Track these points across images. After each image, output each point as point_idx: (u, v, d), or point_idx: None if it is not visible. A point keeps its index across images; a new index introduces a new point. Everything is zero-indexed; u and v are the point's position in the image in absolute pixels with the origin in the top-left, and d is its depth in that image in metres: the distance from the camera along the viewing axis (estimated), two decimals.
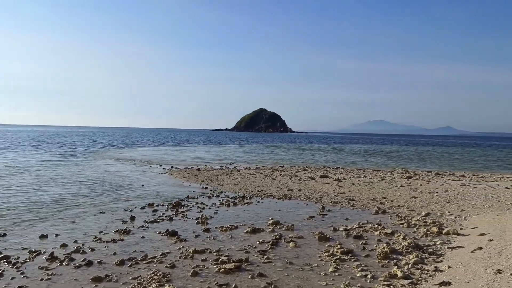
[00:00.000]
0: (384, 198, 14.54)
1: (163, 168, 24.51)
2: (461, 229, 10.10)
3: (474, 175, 23.76)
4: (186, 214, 11.33)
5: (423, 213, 11.93)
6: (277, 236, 9.08)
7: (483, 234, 9.23)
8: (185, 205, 12.79)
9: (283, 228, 9.93)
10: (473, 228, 10.08)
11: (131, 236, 8.91)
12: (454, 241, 8.95)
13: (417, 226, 10.47)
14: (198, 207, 12.50)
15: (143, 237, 8.81)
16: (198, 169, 24.00)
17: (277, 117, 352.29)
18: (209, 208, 12.44)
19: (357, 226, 10.28)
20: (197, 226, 9.96)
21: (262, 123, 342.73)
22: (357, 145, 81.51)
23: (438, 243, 8.79)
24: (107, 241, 8.44)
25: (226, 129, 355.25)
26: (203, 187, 17.07)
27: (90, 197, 13.85)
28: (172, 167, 25.66)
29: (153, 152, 43.45)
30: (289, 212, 12.06)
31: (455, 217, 11.42)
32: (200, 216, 11.04)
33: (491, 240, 8.51)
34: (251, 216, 11.43)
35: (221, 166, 26.91)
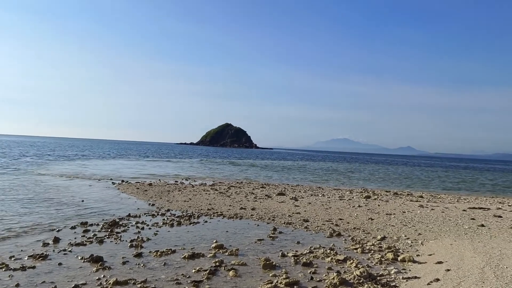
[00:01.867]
0: (340, 219, 13.80)
1: (112, 183, 23.01)
2: (418, 255, 9.43)
3: (432, 195, 23.58)
4: (121, 236, 10.14)
5: (379, 237, 11.23)
6: (217, 263, 8.08)
7: (440, 263, 8.55)
8: (123, 224, 11.58)
9: (226, 253, 8.94)
10: (430, 254, 9.42)
11: (46, 263, 7.67)
12: (410, 270, 8.23)
13: (372, 251, 9.72)
14: (137, 227, 11.33)
15: (60, 264, 7.60)
16: (150, 184, 22.66)
17: (242, 132, 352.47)
18: (149, 228, 11.28)
19: (308, 251, 9.42)
20: (129, 250, 8.81)
21: (227, 138, 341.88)
22: (319, 162, 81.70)
23: (392, 272, 8.03)
24: (15, 269, 7.18)
25: (191, 143, 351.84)
26: (149, 203, 15.85)
27: (17, 213, 12.36)
28: (122, 181, 24.18)
29: (108, 165, 41.61)
30: (236, 234, 11.08)
31: (411, 242, 10.77)
32: (136, 238, 9.89)
33: (448, 270, 7.83)
34: (194, 238, 10.37)
35: (176, 181, 25.66)
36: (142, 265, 7.77)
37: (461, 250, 9.62)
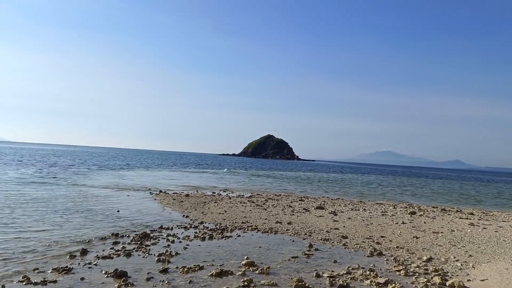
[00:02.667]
0: (382, 237, 12.92)
1: (150, 193, 23.04)
2: (468, 280, 8.50)
3: (484, 212, 22.00)
4: (150, 249, 9.82)
5: (424, 258, 10.32)
6: (246, 282, 7.55)
7: None
8: (154, 236, 11.28)
9: (257, 271, 8.39)
10: (483, 280, 8.47)
11: (69, 277, 7.41)
12: None
13: (417, 274, 8.87)
14: (168, 239, 10.99)
15: (82, 279, 7.31)
16: (187, 195, 22.50)
17: (284, 144, 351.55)
18: (180, 241, 10.91)
19: (345, 272, 8.71)
20: (155, 265, 8.44)
21: (269, 149, 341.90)
22: (362, 175, 79.60)
23: None
24: (35, 283, 6.96)
25: (234, 154, 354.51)
26: (183, 215, 15.56)
27: (50, 224, 12.34)
28: (160, 191, 24.20)
29: (149, 175, 42.16)
30: (270, 250, 10.50)
31: (461, 264, 9.80)
32: (165, 251, 9.52)
33: None
34: (225, 253, 9.89)
35: (213, 193, 25.40)
36: (166, 282, 7.36)
37: None
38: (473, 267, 9.62)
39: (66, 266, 7.88)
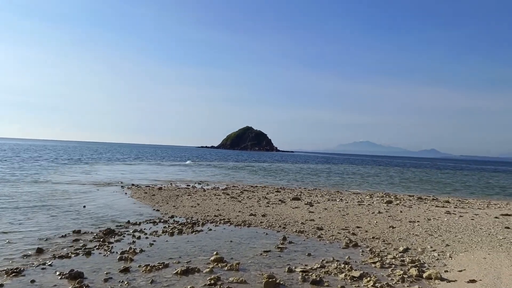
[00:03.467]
0: (358, 227, 12.58)
1: (121, 187, 22.24)
2: (446, 271, 8.20)
3: (459, 200, 22.02)
4: (112, 246, 9.19)
5: (401, 248, 10.01)
6: (213, 280, 7.04)
7: (473, 281, 7.32)
8: (119, 233, 10.64)
9: (226, 268, 7.88)
10: (461, 270, 8.17)
11: (18, 280, 6.76)
12: None
13: (393, 266, 8.53)
14: (134, 235, 10.37)
15: (32, 281, 6.67)
16: (160, 188, 21.80)
17: (263, 135, 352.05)
18: (146, 237, 10.31)
19: (319, 266, 8.28)
20: (116, 264, 7.84)
21: (248, 141, 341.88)
22: (339, 165, 79.99)
23: None
24: None
25: (212, 147, 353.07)
26: (154, 209, 14.93)
27: (6, 221, 11.50)
28: (132, 185, 23.45)
29: (122, 168, 41.20)
30: (241, 244, 10.01)
31: (438, 254, 9.51)
32: (128, 249, 8.91)
33: None
34: (193, 249, 9.35)
35: (188, 185, 24.75)
36: (126, 282, 6.79)
37: (497, 266, 8.35)
38: (450, 257, 9.34)
39: (17, 268, 7.21)
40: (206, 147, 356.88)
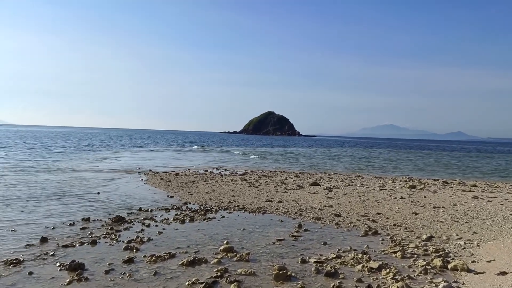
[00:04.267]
0: (379, 214, 11.97)
1: (138, 173, 22.09)
2: (473, 261, 7.57)
3: (487, 184, 21.03)
4: (120, 235, 8.88)
5: (424, 236, 9.39)
6: (220, 272, 6.62)
7: (504, 274, 6.69)
8: (129, 220, 10.34)
9: (235, 258, 7.45)
10: (489, 261, 7.52)
11: (16, 271, 6.47)
12: (464, 283, 6.44)
13: (415, 256, 7.95)
14: (143, 223, 10.04)
15: (30, 273, 6.37)
16: (177, 174, 21.54)
17: (285, 120, 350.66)
18: (156, 225, 9.97)
19: (334, 256, 7.77)
20: (121, 254, 7.50)
21: (270, 126, 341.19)
22: (364, 149, 78.68)
23: (440, 286, 6.27)
24: None
25: (235, 132, 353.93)
26: (168, 196, 14.62)
27: (17, 210, 11.34)
28: (150, 171, 23.28)
29: (144, 155, 41.30)
30: (254, 232, 9.57)
31: (464, 243, 8.86)
32: (135, 238, 8.57)
33: None
34: (203, 237, 8.96)
35: (205, 171, 24.45)
36: (127, 274, 6.43)
37: None
38: (478, 245, 8.69)
39: (16, 258, 6.94)
40: (229, 132, 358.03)
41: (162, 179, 19.25)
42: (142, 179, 19.19)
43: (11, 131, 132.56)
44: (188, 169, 25.36)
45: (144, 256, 7.38)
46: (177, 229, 9.69)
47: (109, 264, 6.88)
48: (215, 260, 7.26)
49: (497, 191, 17.74)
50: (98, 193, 14.66)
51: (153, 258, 7.26)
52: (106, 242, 8.29)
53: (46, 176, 19.09)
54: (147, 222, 10.23)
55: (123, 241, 8.34)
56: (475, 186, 19.46)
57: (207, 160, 36.43)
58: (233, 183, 18.22)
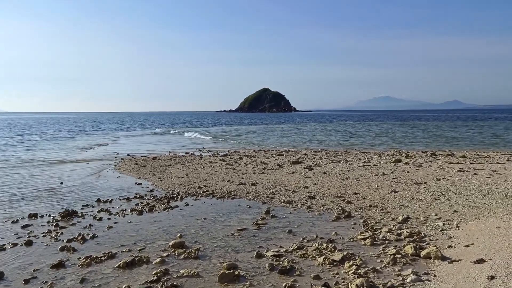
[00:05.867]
0: (356, 193, 11.14)
1: (115, 157, 21.19)
2: (450, 246, 6.78)
3: (477, 154, 20.21)
4: (62, 232, 8.02)
5: (400, 218, 8.59)
6: (157, 276, 5.79)
7: (480, 261, 5.88)
8: (81, 214, 9.47)
9: (182, 256, 6.62)
10: (467, 245, 6.72)
11: None
12: (435, 275, 5.64)
13: (386, 242, 7.16)
14: (95, 217, 9.19)
15: None
16: (155, 158, 20.64)
17: (280, 96, 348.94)
18: (109, 218, 9.11)
19: (296, 247, 6.95)
20: (53, 257, 6.65)
21: (265, 103, 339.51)
22: (356, 123, 77.79)
23: (408, 280, 5.48)
24: None
25: (230, 110, 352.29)
26: (136, 183, 13.74)
27: None
28: (128, 155, 22.41)
29: (128, 140, 40.38)
30: (215, 222, 8.74)
31: (443, 224, 8.07)
32: (77, 236, 7.72)
33: (492, 278, 5.20)
34: (156, 231, 8.12)
35: (186, 153, 23.58)
36: (49, 283, 5.58)
37: None
38: (457, 226, 7.89)
39: None
40: (224, 111, 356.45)
41: (136, 164, 18.35)
42: (115, 165, 18.29)
43: (3, 119, 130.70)
44: (169, 152, 24.44)
45: (79, 258, 6.53)
46: (130, 222, 8.85)
47: (33, 271, 6.04)
48: (159, 260, 6.43)
49: (487, 161, 16.93)
50: (62, 182, 13.79)
51: (88, 260, 6.42)
52: (43, 242, 7.43)
53: (12, 169, 18.17)
54: (99, 215, 9.38)
55: (63, 240, 7.49)
56: (464, 157, 18.65)
57: (191, 142, 35.52)
58: (211, 166, 17.35)
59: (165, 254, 6.68)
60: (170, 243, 7.17)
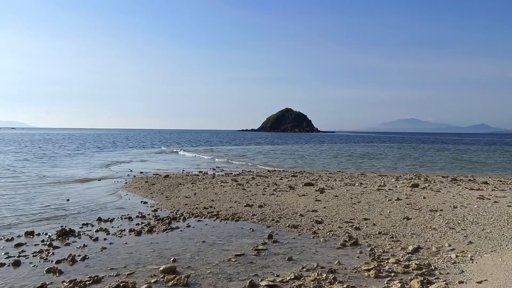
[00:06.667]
0: (365, 219, 10.58)
1: (128, 175, 21.10)
2: (460, 282, 6.20)
3: (501, 181, 19.29)
4: (54, 253, 7.76)
5: (410, 248, 8.02)
6: None
7: None
8: (78, 233, 9.22)
9: (171, 283, 6.24)
10: (480, 282, 6.14)
11: None
12: None
13: (392, 274, 6.62)
14: (91, 237, 8.92)
15: None
16: (166, 176, 20.44)
17: (303, 116, 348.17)
18: (105, 239, 8.81)
19: (293, 277, 6.49)
20: (38, 279, 6.36)
21: (287, 123, 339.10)
22: (377, 144, 76.50)
23: None
24: None
25: (252, 129, 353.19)
26: (142, 201, 13.49)
27: None
28: (141, 172, 22.32)
29: (148, 157, 40.51)
30: (213, 246, 8.34)
31: (456, 256, 7.46)
32: (67, 257, 7.42)
33: None
34: (150, 254, 7.76)
35: (200, 172, 23.35)
36: None
37: None
38: (471, 259, 7.28)
39: None
40: (247, 130, 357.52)
41: (146, 182, 18.16)
42: (126, 183, 18.14)
43: (27, 134, 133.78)
44: (183, 171, 24.25)
45: (63, 282, 6.23)
46: (126, 243, 8.53)
47: None
48: (144, 286, 6.07)
49: (510, 188, 16.07)
50: (68, 199, 13.65)
51: (71, 284, 6.11)
52: (31, 263, 7.16)
53: (24, 184, 18.23)
54: (97, 235, 9.10)
55: (52, 261, 7.22)
56: (486, 183, 17.80)
57: (205, 160, 35.33)
58: (221, 185, 17.01)
59: (153, 280, 6.32)
60: (161, 268, 6.80)
